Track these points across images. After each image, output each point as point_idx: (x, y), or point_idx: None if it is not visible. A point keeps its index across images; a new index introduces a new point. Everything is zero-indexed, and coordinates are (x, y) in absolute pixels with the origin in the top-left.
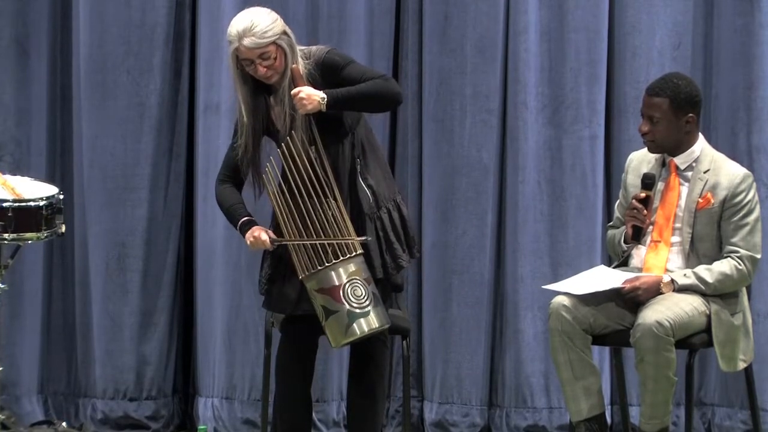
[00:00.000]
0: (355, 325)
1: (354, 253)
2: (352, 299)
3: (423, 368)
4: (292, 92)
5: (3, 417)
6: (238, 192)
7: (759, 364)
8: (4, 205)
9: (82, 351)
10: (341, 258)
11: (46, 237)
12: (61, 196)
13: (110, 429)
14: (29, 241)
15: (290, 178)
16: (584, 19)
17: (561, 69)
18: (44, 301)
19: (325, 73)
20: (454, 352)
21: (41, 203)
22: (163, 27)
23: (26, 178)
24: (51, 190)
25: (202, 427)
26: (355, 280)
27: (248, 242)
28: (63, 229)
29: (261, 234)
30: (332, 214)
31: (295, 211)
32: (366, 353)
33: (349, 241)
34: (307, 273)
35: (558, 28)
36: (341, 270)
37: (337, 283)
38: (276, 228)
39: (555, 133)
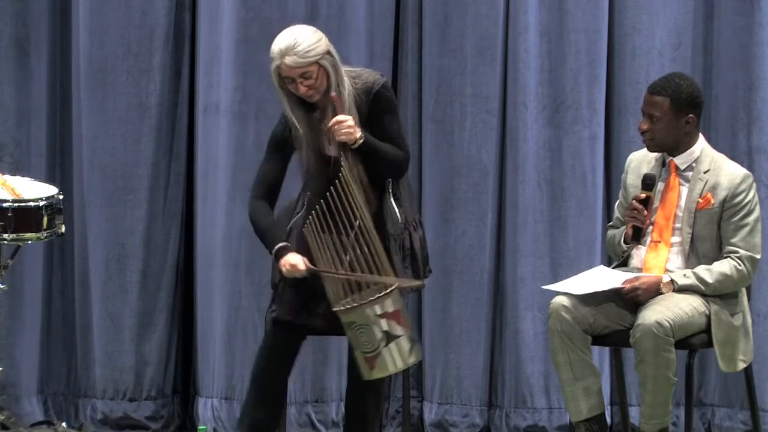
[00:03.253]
0: (416, 348)
1: (390, 289)
2: (410, 324)
3: (423, 368)
4: (336, 118)
5: (3, 417)
6: (272, 211)
7: (759, 364)
8: (4, 205)
9: (82, 351)
10: (380, 294)
11: (46, 237)
12: (61, 197)
13: (110, 429)
14: (29, 241)
15: (335, 212)
16: (584, 20)
17: (561, 70)
18: (44, 301)
19: (372, 103)
20: (454, 353)
21: (41, 203)
22: (162, 28)
23: (26, 179)
24: (51, 190)
25: (202, 427)
26: (404, 307)
27: (284, 269)
28: (63, 229)
29: (299, 263)
30: (370, 251)
31: (333, 246)
32: None
33: (388, 281)
34: (342, 308)
35: (558, 28)
36: (377, 307)
37: (398, 307)
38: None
39: (555, 134)
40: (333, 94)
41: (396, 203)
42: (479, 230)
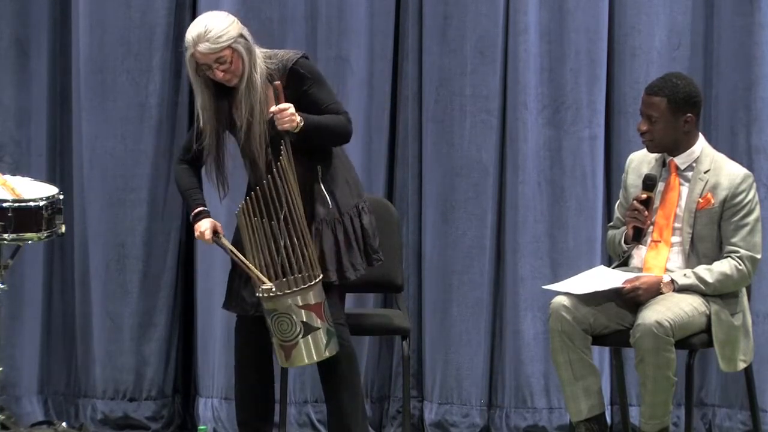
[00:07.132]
0: (332, 343)
1: (314, 281)
2: (330, 318)
3: (423, 368)
4: (278, 107)
5: (3, 417)
6: (196, 175)
7: (759, 364)
8: (4, 205)
9: (82, 351)
10: (304, 285)
11: (46, 237)
12: (61, 197)
13: (110, 429)
14: (29, 241)
15: (270, 203)
16: (584, 20)
17: (561, 69)
18: (44, 301)
19: (289, 81)
20: (454, 353)
21: (41, 203)
22: (162, 28)
23: (26, 179)
24: (51, 190)
25: (202, 427)
26: (326, 300)
27: (196, 233)
28: (63, 229)
29: (206, 232)
30: (297, 241)
31: (264, 236)
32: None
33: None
34: (266, 294)
35: (558, 28)
36: (299, 297)
37: (320, 300)
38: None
39: (555, 134)
40: (277, 82)
41: (326, 188)
42: (479, 230)
